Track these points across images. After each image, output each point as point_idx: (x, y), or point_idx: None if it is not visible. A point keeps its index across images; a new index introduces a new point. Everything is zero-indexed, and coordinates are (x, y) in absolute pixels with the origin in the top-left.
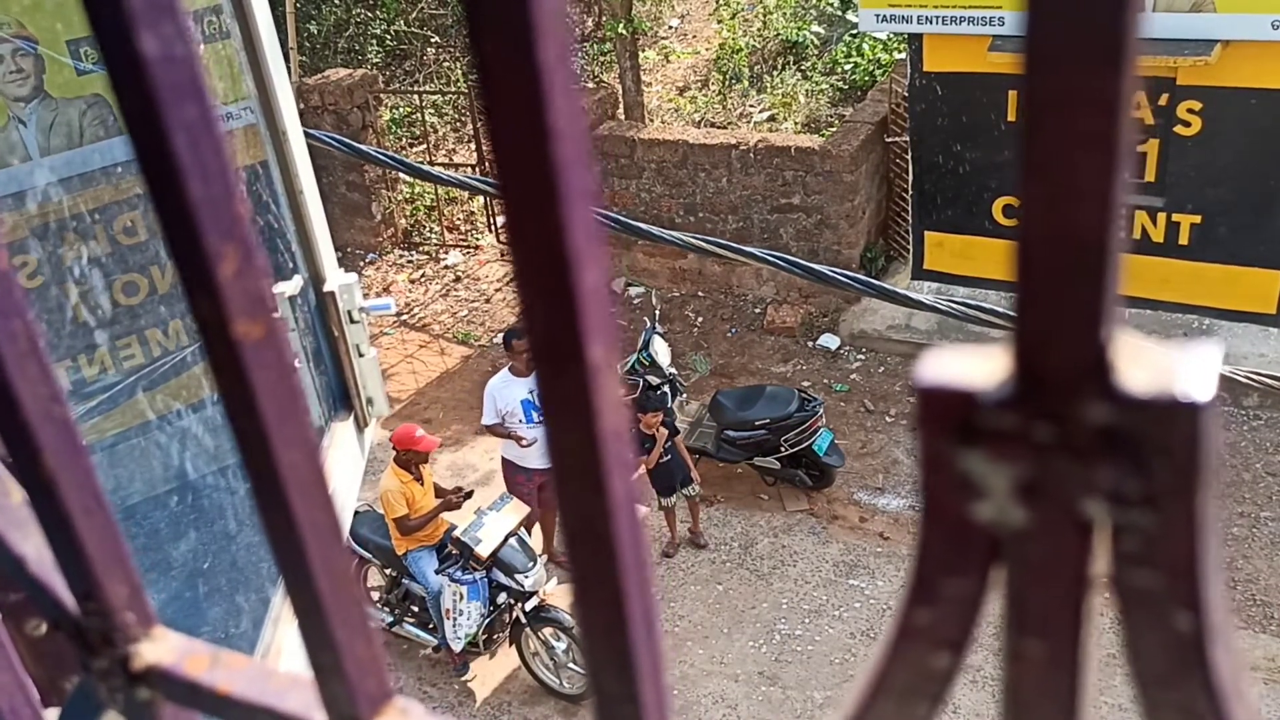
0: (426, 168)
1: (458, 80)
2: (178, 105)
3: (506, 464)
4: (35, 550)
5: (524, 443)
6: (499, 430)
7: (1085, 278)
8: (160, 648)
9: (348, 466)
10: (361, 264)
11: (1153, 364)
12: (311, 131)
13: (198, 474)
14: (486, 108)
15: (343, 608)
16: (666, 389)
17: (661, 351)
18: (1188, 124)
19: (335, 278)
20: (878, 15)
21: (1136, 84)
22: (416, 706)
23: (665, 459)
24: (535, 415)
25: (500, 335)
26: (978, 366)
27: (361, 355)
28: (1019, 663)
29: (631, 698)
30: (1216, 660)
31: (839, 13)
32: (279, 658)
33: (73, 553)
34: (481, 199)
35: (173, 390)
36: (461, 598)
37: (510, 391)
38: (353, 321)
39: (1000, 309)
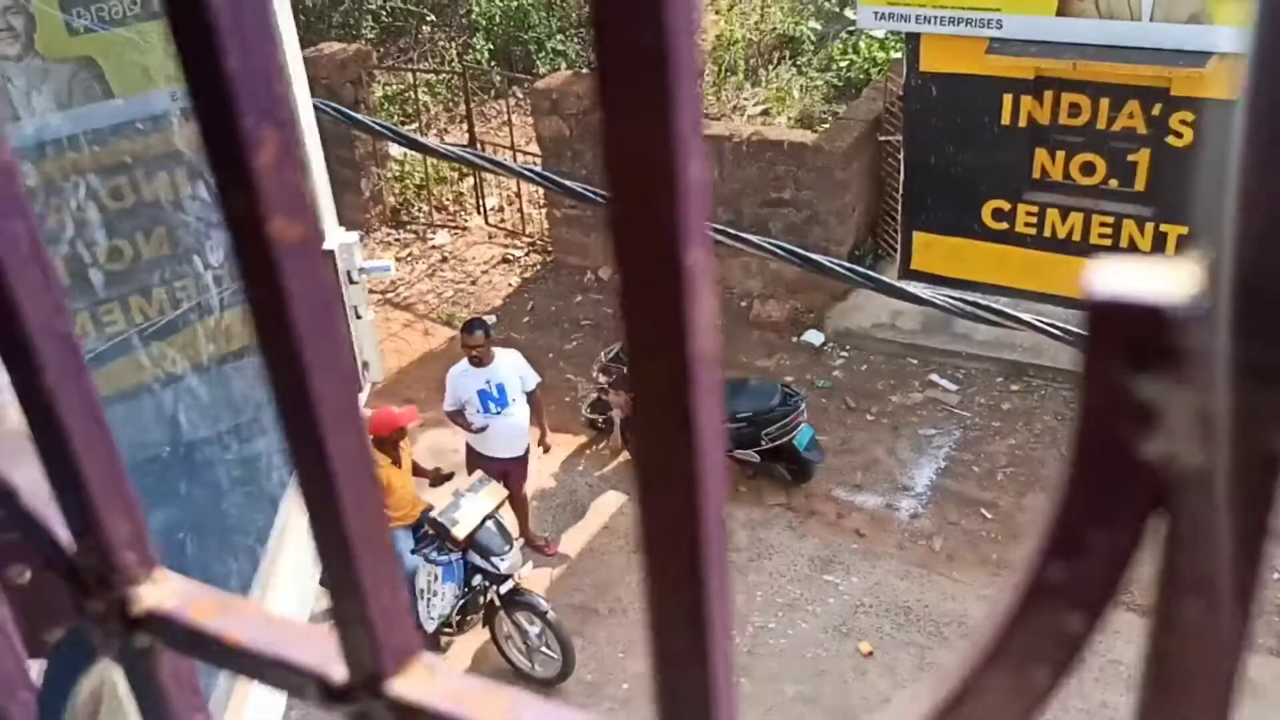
0: (423, 139)
1: (452, 60)
2: None
3: (470, 452)
4: (30, 482)
5: (474, 427)
6: (457, 418)
7: None
8: (162, 591)
9: None
10: None
11: None
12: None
13: (184, 438)
14: None
15: (372, 552)
16: None
17: None
18: (1180, 135)
19: (335, 236)
20: (876, 13)
21: None
22: (441, 664)
23: None
24: (492, 406)
25: (485, 315)
26: (1164, 278)
27: (359, 317)
28: (1172, 628)
29: (700, 659)
30: None
31: (837, 9)
32: None
33: (71, 483)
34: (471, 180)
35: (153, 357)
36: (436, 579)
37: (468, 381)
38: (351, 282)
39: (998, 307)
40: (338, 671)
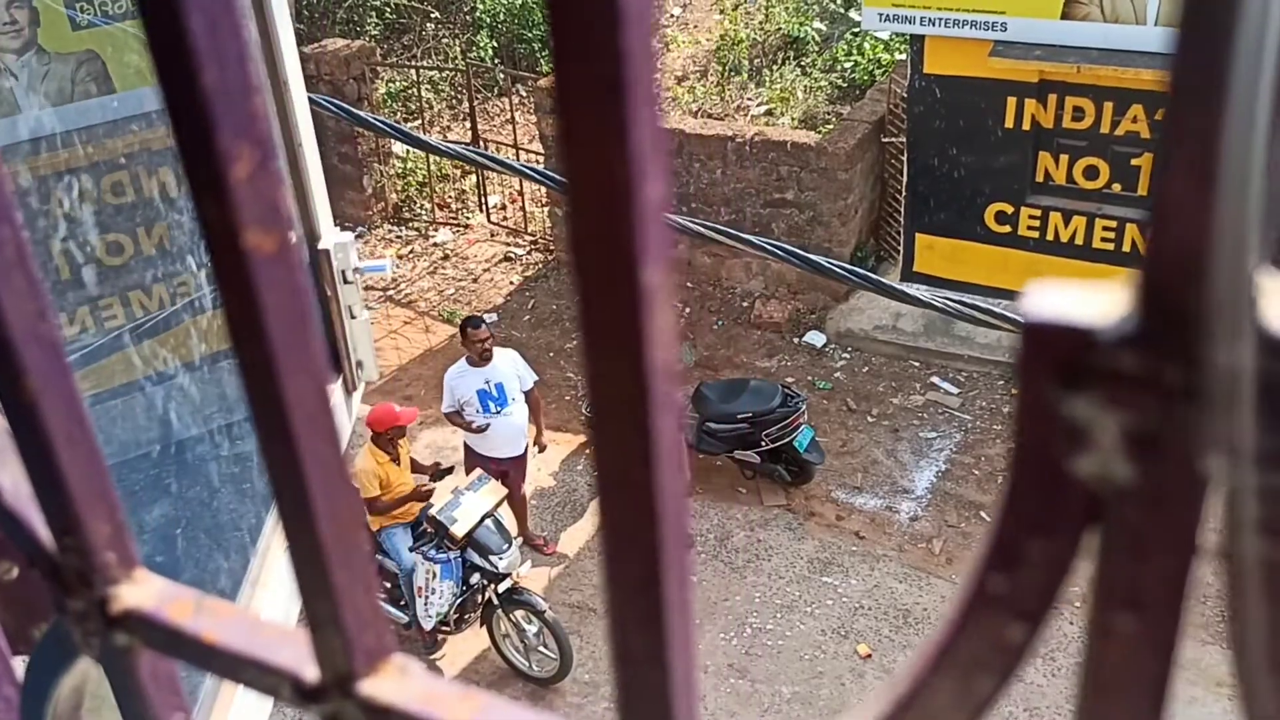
0: (425, 137)
1: (455, 57)
2: None
3: (469, 451)
4: (12, 482)
5: (474, 427)
6: (455, 419)
7: (1233, 197)
8: (142, 591)
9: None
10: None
11: None
12: (311, 95)
13: (175, 435)
14: None
15: (345, 553)
16: None
17: None
18: None
19: (330, 236)
20: (880, 14)
21: None
22: (416, 665)
23: None
24: (492, 405)
25: (485, 314)
26: (1094, 301)
27: (354, 317)
28: (1106, 639)
29: (659, 660)
30: None
31: (841, 10)
32: None
33: (53, 484)
34: (474, 177)
35: (148, 352)
36: (434, 576)
37: (467, 381)
38: (346, 282)
39: (998, 310)
40: (310, 672)
